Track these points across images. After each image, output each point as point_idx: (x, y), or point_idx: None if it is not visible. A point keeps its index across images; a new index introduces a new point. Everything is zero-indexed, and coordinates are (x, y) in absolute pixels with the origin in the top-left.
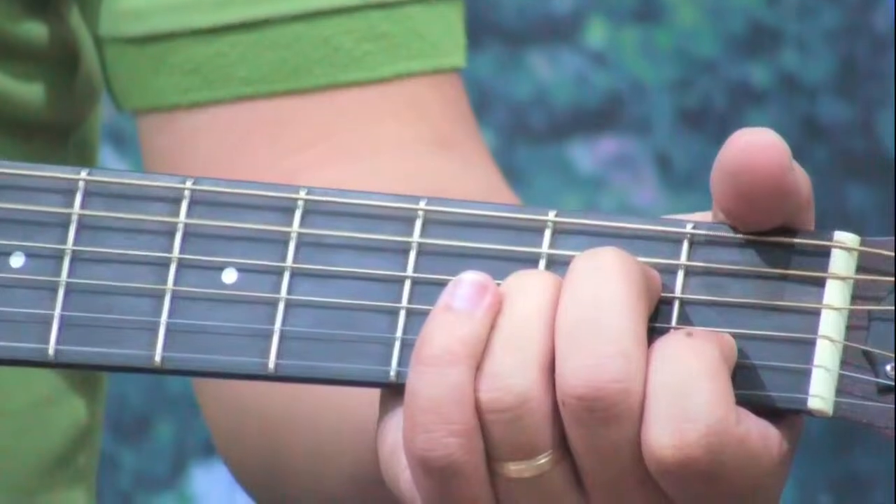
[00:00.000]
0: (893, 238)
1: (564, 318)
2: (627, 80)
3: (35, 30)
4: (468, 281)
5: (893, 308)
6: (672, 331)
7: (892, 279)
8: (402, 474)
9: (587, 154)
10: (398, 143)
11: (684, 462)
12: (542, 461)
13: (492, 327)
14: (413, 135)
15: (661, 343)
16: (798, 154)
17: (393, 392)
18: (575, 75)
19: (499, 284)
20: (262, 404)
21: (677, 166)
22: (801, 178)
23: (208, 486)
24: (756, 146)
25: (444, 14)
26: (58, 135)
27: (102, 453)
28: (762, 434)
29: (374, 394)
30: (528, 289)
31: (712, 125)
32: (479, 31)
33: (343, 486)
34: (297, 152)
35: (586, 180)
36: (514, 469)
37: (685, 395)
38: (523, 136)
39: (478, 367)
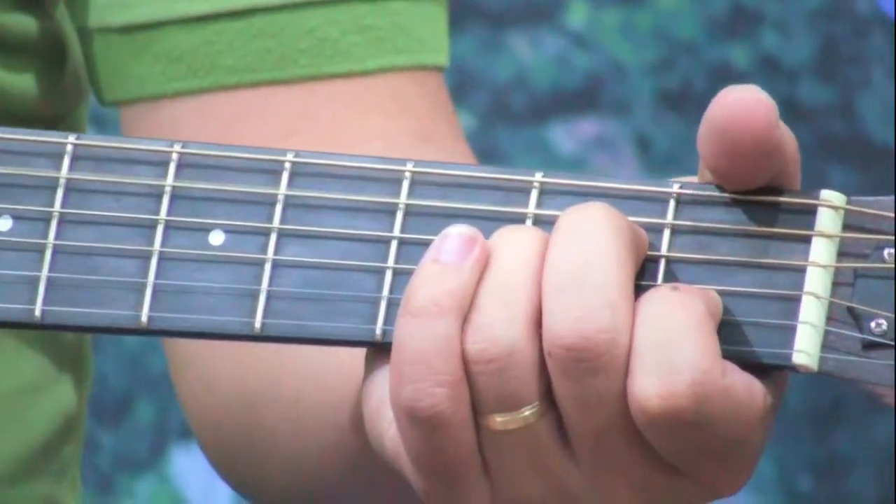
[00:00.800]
0: (880, 198)
1: (552, 269)
2: (608, 62)
3: (24, 22)
4: (455, 234)
5: (894, 265)
6: (658, 286)
7: (877, 237)
8: (386, 431)
9: (567, 136)
10: (381, 135)
11: (670, 412)
12: (528, 413)
13: (479, 280)
14: (396, 127)
15: (647, 297)
16: None
17: (379, 351)
18: (555, 57)
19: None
20: (241, 384)
21: (657, 148)
22: (787, 135)
23: (188, 467)
24: (743, 103)
25: (430, 12)
26: (46, 127)
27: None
28: (747, 386)
29: (355, 366)
30: (515, 242)
31: (692, 107)
32: (460, 12)
33: (324, 461)
34: (281, 142)
35: (566, 162)
36: (500, 421)
37: (671, 347)
38: (504, 117)
39: (465, 319)
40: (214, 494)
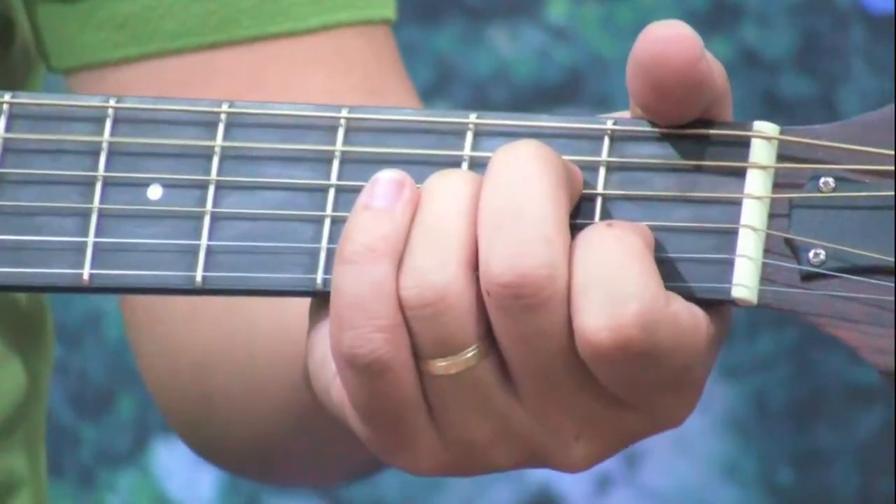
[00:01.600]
0: (813, 127)
1: (485, 208)
2: (588, 56)
3: None
4: (385, 179)
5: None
6: (593, 224)
7: (812, 166)
8: (332, 383)
9: None
10: (328, 93)
11: (620, 343)
12: (469, 355)
13: (412, 224)
14: (343, 85)
15: (584, 235)
16: None
17: (322, 303)
18: (536, 51)
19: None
20: (194, 346)
21: None
22: (715, 67)
23: (170, 461)
24: (667, 37)
25: None
26: None
27: (63, 428)
28: (691, 314)
29: (303, 322)
30: (447, 185)
31: None
32: (440, 6)
33: (279, 418)
34: None
35: None
36: (441, 365)
37: (614, 280)
38: (484, 111)
39: (399, 264)
40: (196, 488)
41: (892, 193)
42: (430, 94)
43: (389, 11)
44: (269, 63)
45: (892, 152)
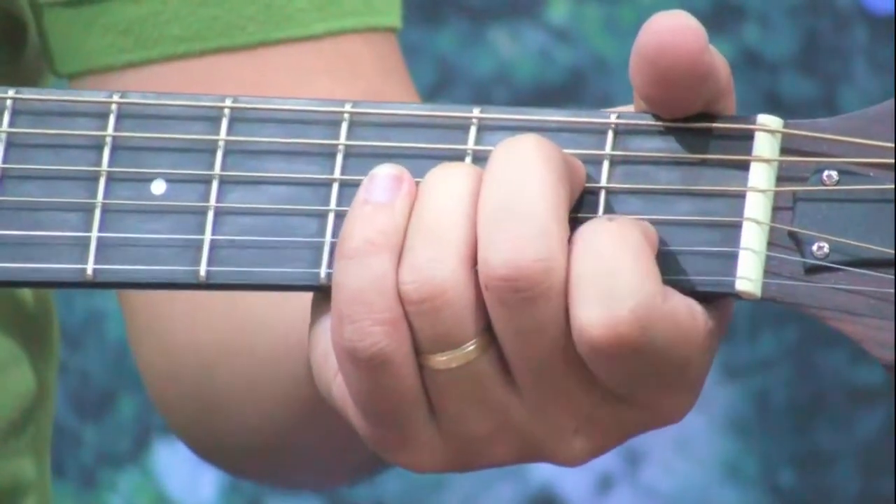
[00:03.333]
0: (817, 120)
1: (484, 203)
2: (590, 57)
3: None
4: (383, 174)
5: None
6: (593, 218)
7: (816, 159)
8: (333, 379)
9: None
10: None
11: (615, 339)
12: (468, 350)
13: (411, 218)
14: (347, 91)
15: (584, 228)
16: None
17: (324, 299)
18: (538, 52)
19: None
20: (196, 345)
21: None
22: (718, 60)
23: (171, 461)
24: (672, 28)
25: None
26: None
27: (65, 429)
28: (689, 310)
29: (306, 317)
30: (447, 179)
31: None
32: (441, 7)
33: (281, 414)
34: None
35: None
36: (441, 360)
37: (611, 274)
38: None
39: (399, 259)
40: (197, 488)
41: (894, 186)
42: (432, 94)
43: (395, 20)
44: (274, 69)
45: (893, 145)
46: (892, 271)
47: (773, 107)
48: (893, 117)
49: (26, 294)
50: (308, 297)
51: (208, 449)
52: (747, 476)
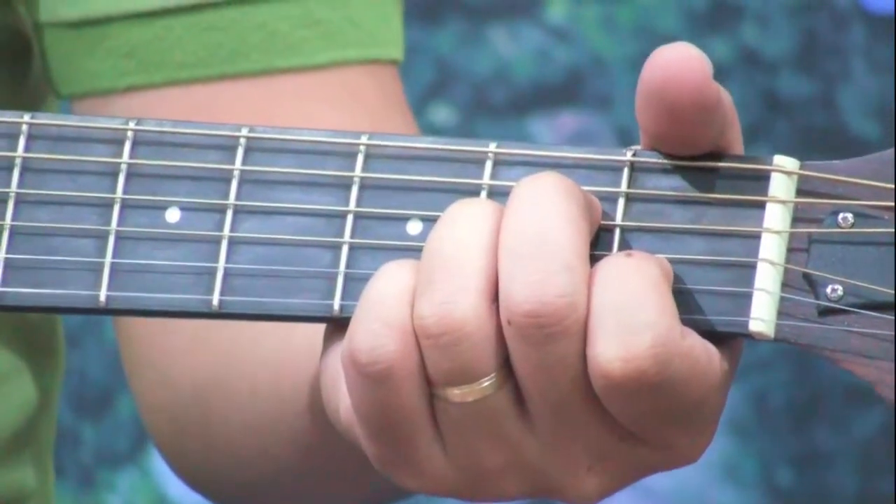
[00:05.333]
0: (833, 162)
1: (507, 238)
2: (588, 56)
3: None
4: None
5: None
6: (612, 254)
7: (831, 201)
8: (342, 401)
9: (548, 130)
10: (334, 129)
11: (632, 375)
12: (486, 384)
13: (430, 251)
14: (348, 121)
15: (603, 264)
16: (759, 129)
17: (337, 328)
18: (536, 51)
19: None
20: (194, 377)
21: (638, 142)
22: (723, 92)
23: None
24: (676, 61)
25: (382, 6)
26: None
27: (64, 429)
28: (706, 349)
29: (311, 351)
30: (468, 214)
31: None
32: (440, 6)
33: (282, 451)
34: None
35: None
36: (457, 393)
37: (630, 310)
38: (484, 111)
39: (416, 293)
40: None
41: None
42: (431, 94)
43: (397, 52)
44: (276, 97)
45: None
46: None
47: (772, 106)
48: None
49: None
50: (312, 329)
51: (204, 483)
52: (746, 476)
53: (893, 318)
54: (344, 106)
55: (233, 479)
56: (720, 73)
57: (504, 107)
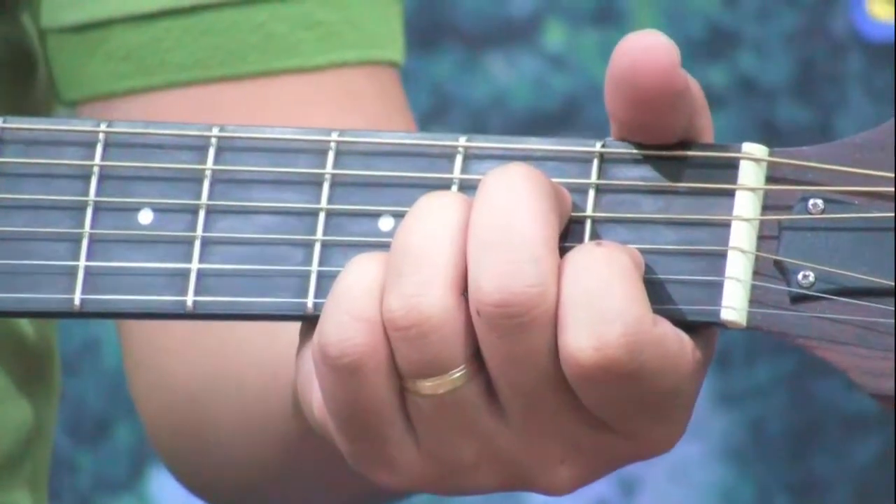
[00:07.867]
0: (801, 149)
1: (475, 229)
2: (586, 83)
3: None
4: None
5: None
6: (582, 244)
7: (801, 188)
8: (316, 398)
9: None
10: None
11: (604, 364)
12: (456, 376)
13: (399, 244)
14: (347, 122)
15: (572, 254)
16: None
17: (311, 326)
18: (533, 78)
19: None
20: (188, 379)
21: None
22: (691, 79)
23: (166, 488)
24: (643, 48)
25: (382, 8)
26: None
27: (61, 455)
28: (678, 337)
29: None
30: (435, 207)
31: None
32: (437, 33)
33: (270, 451)
34: None
35: None
36: (428, 385)
37: (600, 299)
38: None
39: (385, 287)
40: None
41: (883, 215)
42: (428, 121)
43: (396, 54)
44: (275, 99)
45: (880, 173)
46: (882, 300)
47: (769, 134)
48: (878, 146)
49: (27, 328)
50: (297, 331)
51: (200, 484)
52: (743, 502)
53: (865, 303)
54: (342, 108)
55: (226, 482)
56: (717, 101)
57: (501, 134)
